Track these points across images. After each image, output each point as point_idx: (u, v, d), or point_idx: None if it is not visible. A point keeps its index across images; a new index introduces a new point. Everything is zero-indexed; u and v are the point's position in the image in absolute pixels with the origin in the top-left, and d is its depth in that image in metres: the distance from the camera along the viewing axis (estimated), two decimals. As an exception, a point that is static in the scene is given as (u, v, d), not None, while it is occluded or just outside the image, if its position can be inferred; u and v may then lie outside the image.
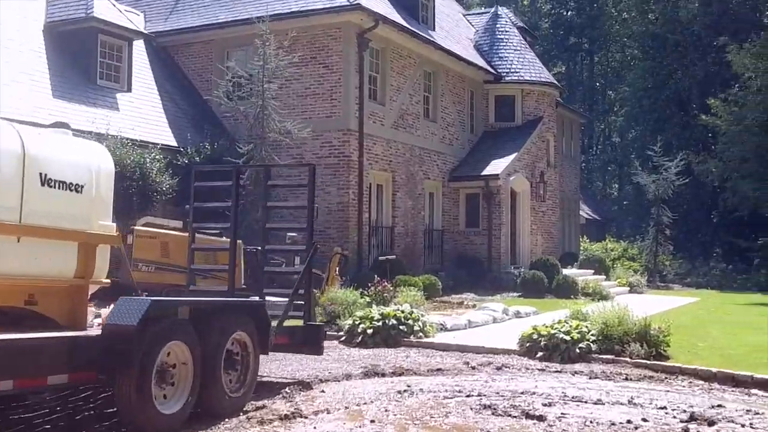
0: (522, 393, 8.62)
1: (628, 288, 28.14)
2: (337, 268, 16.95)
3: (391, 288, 14.10)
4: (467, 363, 10.90)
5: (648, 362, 10.76)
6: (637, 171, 35.53)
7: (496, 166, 26.43)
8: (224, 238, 16.25)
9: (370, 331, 12.53)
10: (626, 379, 9.99)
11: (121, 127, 18.00)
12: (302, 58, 21.54)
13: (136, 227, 15.88)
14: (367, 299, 13.89)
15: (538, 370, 10.56)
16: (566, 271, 25.96)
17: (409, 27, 23.16)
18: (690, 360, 11.11)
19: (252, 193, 18.10)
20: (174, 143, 19.38)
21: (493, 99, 29.01)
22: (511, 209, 27.46)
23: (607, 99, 60.08)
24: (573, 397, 8.49)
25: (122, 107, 19.02)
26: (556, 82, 30.54)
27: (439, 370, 10.23)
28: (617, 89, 56.18)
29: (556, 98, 30.54)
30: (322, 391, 8.37)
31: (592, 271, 28.59)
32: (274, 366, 10.13)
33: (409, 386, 8.78)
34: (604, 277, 28.65)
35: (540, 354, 11.48)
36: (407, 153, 23.92)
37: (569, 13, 59.48)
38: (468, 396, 8.30)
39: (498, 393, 8.57)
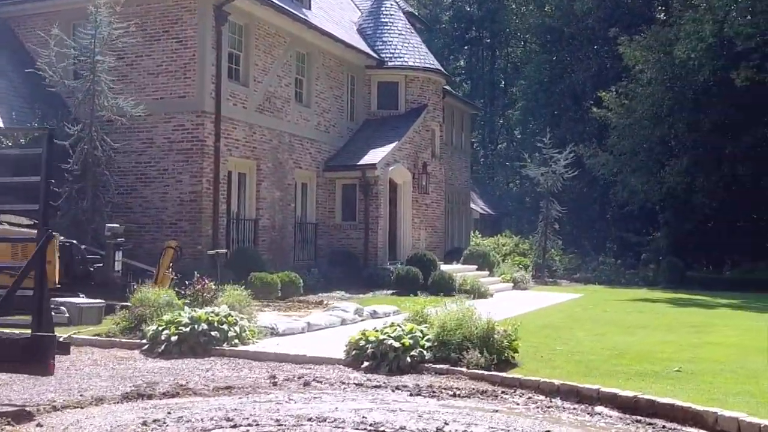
0: (310, 420, 7.01)
1: (512, 284, 27.04)
2: (171, 264, 15.07)
3: (213, 287, 12.35)
4: (273, 377, 9.25)
5: (486, 373, 9.32)
6: (527, 163, 34.60)
7: (374, 156, 24.90)
8: (57, 234, 14.19)
9: (174, 339, 10.74)
10: (454, 395, 8.50)
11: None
12: (153, 32, 19.56)
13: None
14: (185, 300, 12.11)
15: (355, 384, 8.98)
16: (445, 267, 24.66)
17: (276, 2, 21.35)
18: (537, 369, 9.74)
19: (81, 178, 16.01)
20: (-2, 123, 17.12)
21: (376, 85, 27.48)
22: (391, 202, 26.02)
23: (508, 94, 59.50)
24: (372, 425, 6.93)
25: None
26: (441, 68, 29.21)
27: (228, 388, 8.53)
28: (517, 84, 55.59)
29: (442, 86, 29.23)
30: (39, 425, 6.55)
31: (476, 266, 27.37)
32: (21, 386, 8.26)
33: (169, 413, 7.06)
34: (488, 272, 27.48)
35: (366, 364, 9.92)
36: (275, 139, 22.14)
37: (470, 8, 58.53)
38: (234, 427, 6.64)
39: (279, 421, 6.93)
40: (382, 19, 28.32)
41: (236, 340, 10.98)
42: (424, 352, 9.91)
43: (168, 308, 11.61)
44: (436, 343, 10.03)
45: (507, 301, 21.43)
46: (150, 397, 7.97)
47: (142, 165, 19.57)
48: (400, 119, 27.08)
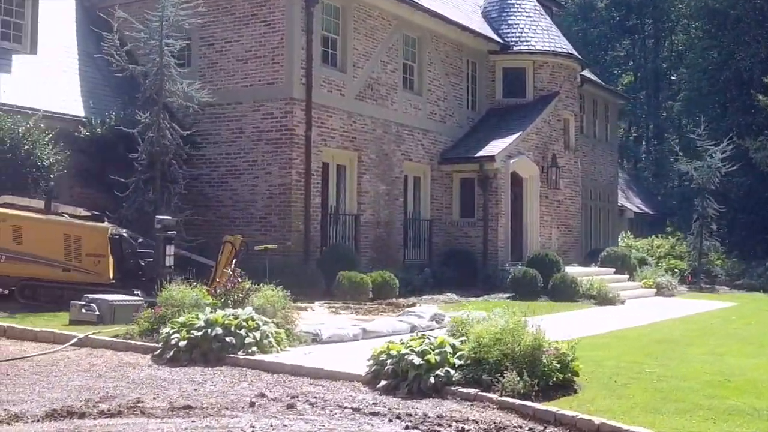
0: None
1: (655, 290, 24.10)
2: (234, 261, 13.84)
3: (246, 286, 10.92)
4: (262, 395, 7.69)
5: (518, 402, 7.29)
6: (678, 157, 31.18)
7: (494, 147, 22.84)
8: (103, 223, 13.43)
9: (183, 344, 9.39)
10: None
11: (6, 91, 15.37)
12: (242, 16, 18.57)
13: (-12, 208, 13.20)
14: (215, 301, 10.75)
15: (352, 409, 7.23)
16: (573, 270, 22.19)
17: (376, -19, 19.86)
18: (595, 398, 7.61)
19: (149, 168, 15.12)
20: (80, 113, 16.58)
21: (501, 72, 25.35)
22: (516, 197, 23.86)
23: (672, 84, 55.01)
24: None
25: (18, 71, 16.32)
26: (575, 53, 26.61)
27: (187, 408, 7.01)
28: (679, 73, 51.23)
29: (577, 72, 26.63)
30: None
31: (613, 269, 24.62)
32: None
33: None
34: (627, 276, 24.68)
35: (384, 383, 8.14)
36: (379, 129, 20.62)
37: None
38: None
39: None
40: (509, 1, 26.13)
41: (254, 348, 9.47)
42: (452, 371, 7.99)
43: (195, 309, 10.30)
44: (469, 362, 8.09)
45: (637, 310, 18.82)
46: (82, 416, 6.61)
47: (231, 156, 18.61)
48: (527, 108, 24.81)
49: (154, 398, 7.44)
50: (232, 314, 9.79)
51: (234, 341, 9.45)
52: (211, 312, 9.85)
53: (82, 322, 11.07)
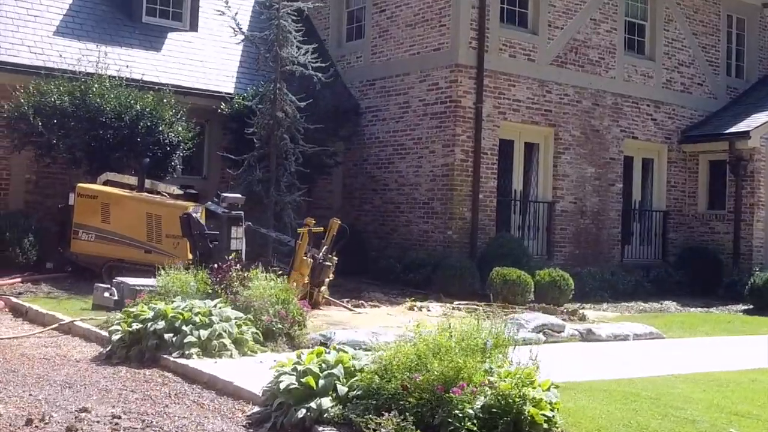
0: None
1: None
2: (324, 248, 11.93)
3: (241, 273, 8.86)
4: (86, 410, 5.78)
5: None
6: None
7: (751, 122, 18.19)
8: (194, 202, 12.39)
9: (116, 338, 7.75)
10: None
11: (146, 69, 14.99)
12: (410, -26, 16.50)
13: (80, 184, 12.77)
14: (208, 289, 8.89)
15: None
16: None
17: None
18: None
19: (265, 144, 13.73)
20: (228, 89, 15.75)
21: (777, 29, 20.32)
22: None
23: None
24: None
25: (170, 49, 15.92)
26: None
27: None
28: None
29: None
30: None
31: None
32: None
33: None
34: None
35: (261, 411, 5.75)
36: (586, 100, 17.28)
37: None
38: None
39: None
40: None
41: (195, 349, 7.51)
42: (331, 404, 5.37)
43: (189, 298, 8.61)
44: (360, 392, 5.40)
45: None
46: None
47: (398, 134, 16.64)
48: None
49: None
50: (186, 307, 7.92)
51: (174, 339, 7.58)
52: (162, 303, 8.07)
53: (102, 307, 9.93)
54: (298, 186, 13.73)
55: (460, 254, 15.24)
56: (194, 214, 11.57)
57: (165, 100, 13.91)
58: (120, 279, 10.27)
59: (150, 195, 12.53)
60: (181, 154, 14.37)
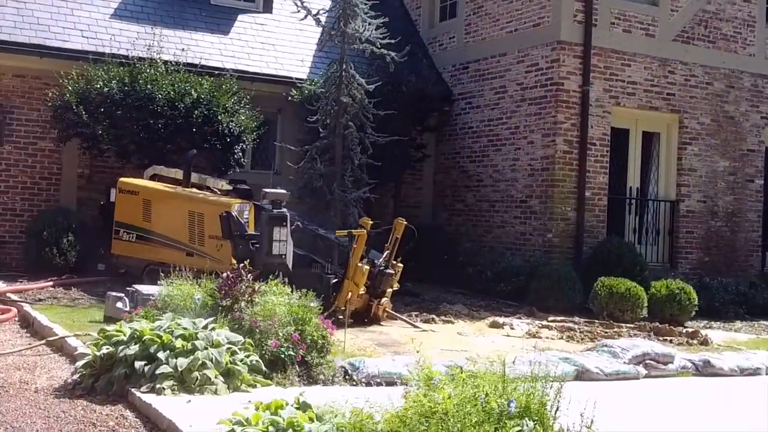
0: None
1: None
2: (386, 253, 10.18)
3: (252, 285, 7.15)
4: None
5: None
6: None
7: None
8: (236, 201, 10.92)
9: (80, 365, 6.27)
10: None
11: (210, 53, 13.71)
12: (509, -59, 14.47)
13: (122, 179, 11.57)
14: (212, 301, 7.28)
15: None
16: None
17: None
18: None
19: (331, 133, 12.07)
20: (302, 75, 14.22)
21: None
22: None
23: None
24: None
25: (239, 32, 14.50)
26: None
27: None
28: None
29: None
30: None
31: None
32: None
33: None
34: None
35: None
36: (718, 82, 14.72)
37: None
38: None
39: None
40: None
41: (169, 382, 5.91)
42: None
43: (190, 314, 7.09)
44: None
45: None
46: None
47: (493, 122, 14.65)
48: None
49: None
50: (169, 327, 6.35)
51: (145, 369, 6.02)
52: (139, 323, 6.53)
53: (115, 319, 8.54)
54: (366, 181, 11.98)
55: (561, 261, 13.12)
56: (236, 213, 10.07)
57: (225, 86, 12.54)
58: (136, 286, 8.87)
59: (193, 191, 11.12)
60: (246, 147, 12.95)
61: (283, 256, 9.56)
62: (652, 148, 14.51)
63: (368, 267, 9.81)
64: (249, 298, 6.99)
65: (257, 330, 6.69)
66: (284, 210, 9.69)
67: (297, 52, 14.77)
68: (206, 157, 12.86)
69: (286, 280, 7.88)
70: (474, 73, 15.05)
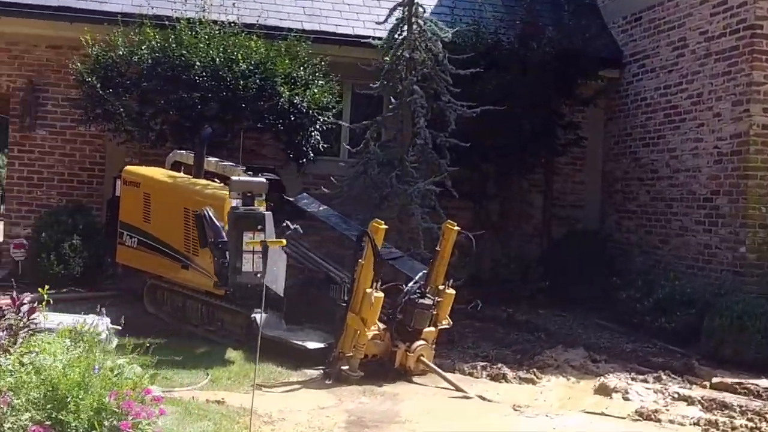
0: None
1: None
2: (419, 274, 6.77)
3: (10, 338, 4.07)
4: None
5: None
6: None
7: None
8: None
9: None
10: None
11: (290, 13, 10.99)
12: None
13: (127, 167, 9.16)
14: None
15: None
16: None
17: None
18: None
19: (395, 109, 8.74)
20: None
21: None
22: None
23: None
24: None
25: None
26: None
27: None
28: None
29: None
30: None
31: None
32: None
33: None
34: None
35: None
36: None
37: None
38: None
39: None
40: None
41: None
42: None
43: None
44: None
45: None
46: None
47: (670, 90, 10.44)
48: None
49: None
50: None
51: None
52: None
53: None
54: (446, 167, 8.45)
55: (758, 288, 8.78)
56: (207, 212, 7.15)
57: (285, 50, 9.72)
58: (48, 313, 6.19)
59: (195, 181, 8.34)
60: (319, 128, 10.01)
61: (258, 275, 6.47)
62: None
63: (381, 294, 6.43)
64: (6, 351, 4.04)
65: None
66: (258, 208, 6.62)
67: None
68: (269, 142, 10.16)
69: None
70: (648, 24, 10.93)
